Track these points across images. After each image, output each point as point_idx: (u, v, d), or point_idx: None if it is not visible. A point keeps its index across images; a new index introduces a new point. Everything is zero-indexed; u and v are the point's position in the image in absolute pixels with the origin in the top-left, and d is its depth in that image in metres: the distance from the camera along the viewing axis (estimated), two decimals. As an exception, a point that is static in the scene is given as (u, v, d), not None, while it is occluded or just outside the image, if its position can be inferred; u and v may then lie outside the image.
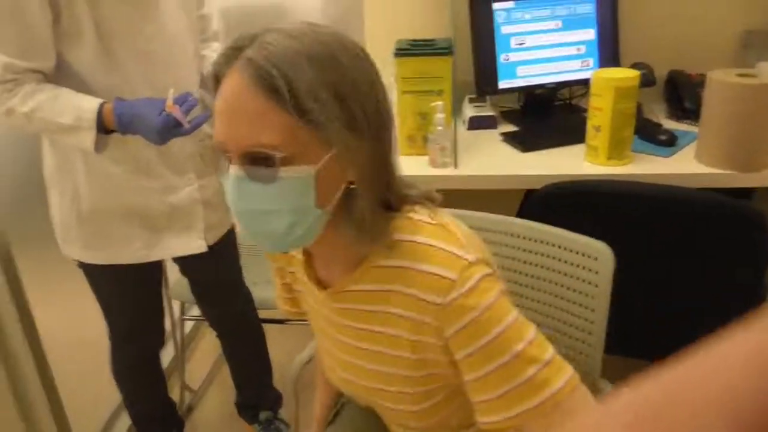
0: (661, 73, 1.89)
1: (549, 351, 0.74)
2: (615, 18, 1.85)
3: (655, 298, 1.33)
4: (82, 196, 1.29)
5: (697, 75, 1.81)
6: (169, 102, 1.13)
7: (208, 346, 1.91)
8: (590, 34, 1.85)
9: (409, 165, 1.56)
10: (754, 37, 1.91)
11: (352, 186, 0.72)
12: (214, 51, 1.45)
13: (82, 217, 1.31)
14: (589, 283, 1.10)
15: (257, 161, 0.68)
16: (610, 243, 1.10)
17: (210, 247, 1.45)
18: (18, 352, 1.40)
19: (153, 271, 1.47)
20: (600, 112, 1.47)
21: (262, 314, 1.73)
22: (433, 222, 0.76)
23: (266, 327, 1.76)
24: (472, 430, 0.87)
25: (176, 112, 1.13)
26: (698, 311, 1.36)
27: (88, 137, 1.16)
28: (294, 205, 0.70)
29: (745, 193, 1.62)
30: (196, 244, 1.41)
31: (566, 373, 0.74)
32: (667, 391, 0.26)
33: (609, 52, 1.86)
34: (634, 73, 1.46)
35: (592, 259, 1.14)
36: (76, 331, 1.68)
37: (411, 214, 0.77)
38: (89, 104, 1.15)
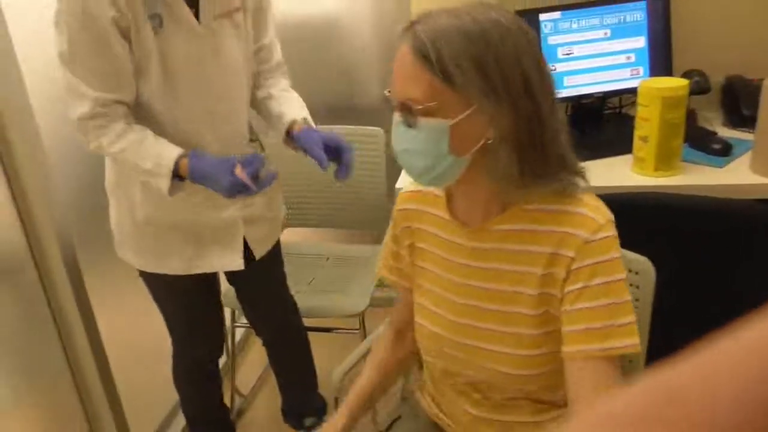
0: (718, 78, 1.83)
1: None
2: (667, 25, 1.80)
3: (703, 315, 1.29)
4: (137, 208, 1.37)
5: (758, 80, 1.74)
6: (238, 169, 1.20)
7: (258, 353, 1.97)
8: (640, 42, 1.81)
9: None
10: (821, 40, 1.82)
11: (489, 141, 0.84)
12: (283, 90, 1.48)
13: (135, 226, 1.40)
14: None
15: (407, 112, 0.85)
16: (653, 256, 1.08)
17: (255, 260, 1.50)
18: (81, 354, 1.50)
19: (208, 282, 1.54)
20: (647, 123, 1.44)
21: (308, 322, 1.77)
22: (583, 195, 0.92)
23: (312, 335, 1.81)
24: (546, 416, 0.99)
25: (244, 177, 1.19)
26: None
27: (164, 183, 1.25)
28: (429, 149, 0.86)
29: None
30: (235, 263, 1.46)
31: (637, 338, 0.88)
32: (671, 389, 0.26)
33: (660, 60, 1.81)
34: (682, 83, 1.42)
35: (633, 273, 1.12)
36: (136, 334, 1.78)
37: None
38: (169, 154, 1.25)
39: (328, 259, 2.07)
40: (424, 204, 1.03)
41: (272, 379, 2.04)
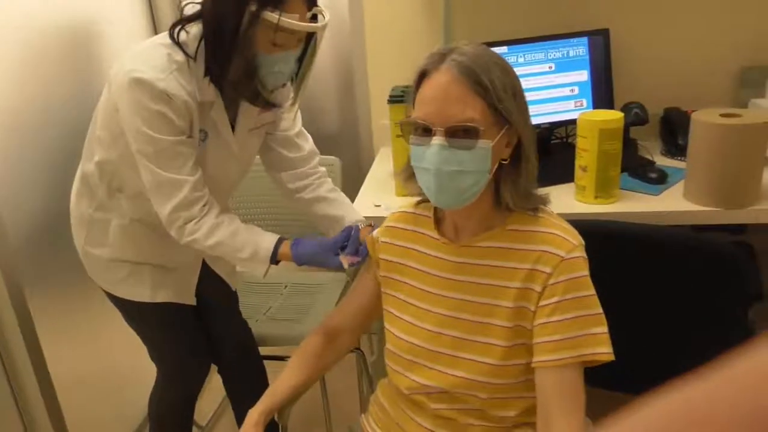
0: (657, 111, 1.93)
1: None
2: (608, 60, 1.90)
3: (640, 334, 1.35)
4: (106, 246, 1.43)
5: (692, 111, 1.84)
6: (344, 259, 1.26)
7: (217, 382, 1.97)
8: (584, 75, 1.90)
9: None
10: (751, 74, 1.93)
11: (504, 162, 0.98)
12: (332, 190, 1.55)
13: (103, 259, 1.44)
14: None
15: (460, 134, 0.92)
16: (594, 280, 1.13)
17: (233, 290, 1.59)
18: (27, 387, 1.48)
19: (196, 311, 1.57)
20: (586, 153, 1.51)
21: (263, 351, 1.78)
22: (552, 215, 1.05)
23: (268, 365, 1.81)
24: (526, 428, 1.05)
25: (349, 260, 1.25)
26: (683, 347, 1.36)
27: (261, 268, 1.32)
28: (479, 168, 0.95)
29: (739, 228, 1.63)
30: (187, 299, 1.54)
31: (610, 347, 0.96)
32: (689, 408, 0.26)
33: (602, 93, 1.91)
34: (617, 115, 1.50)
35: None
36: (84, 365, 1.76)
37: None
38: (267, 243, 1.31)
39: (285, 287, 2.09)
40: (414, 224, 1.13)
41: (230, 411, 2.03)
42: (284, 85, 1.34)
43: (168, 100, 1.19)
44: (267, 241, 1.31)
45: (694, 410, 0.26)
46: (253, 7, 1.14)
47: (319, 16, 1.22)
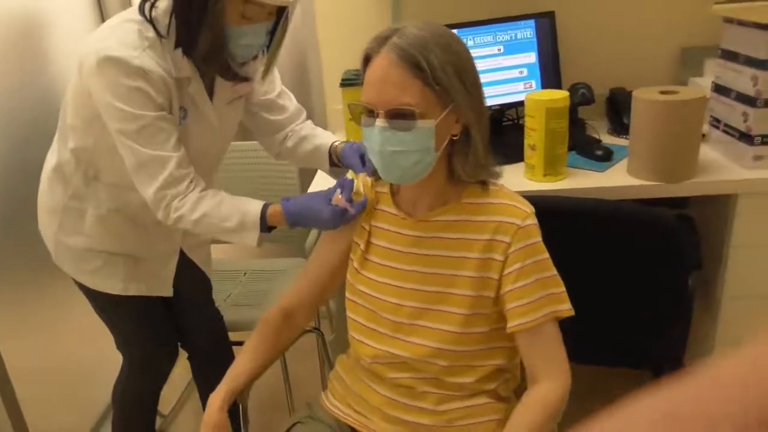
0: (603, 91, 1.99)
1: None
2: (554, 42, 1.95)
3: (590, 305, 1.40)
4: (81, 234, 1.40)
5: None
6: (337, 196, 1.19)
7: (179, 370, 1.96)
8: (532, 57, 1.94)
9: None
10: (690, 54, 2.01)
11: (455, 137, 1.01)
12: (312, 128, 1.53)
13: (75, 249, 1.42)
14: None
15: (399, 116, 0.96)
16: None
17: (185, 260, 1.56)
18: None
19: (164, 300, 1.56)
20: (534, 132, 1.56)
21: (232, 336, 1.78)
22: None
23: (236, 350, 1.82)
24: (482, 396, 1.10)
25: (342, 203, 1.18)
26: (630, 315, 1.43)
27: (252, 237, 1.27)
28: (421, 147, 0.98)
29: (682, 201, 1.70)
30: (165, 291, 1.53)
31: (570, 304, 1.05)
32: (679, 405, 0.27)
33: (550, 74, 1.96)
34: (563, 94, 1.54)
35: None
36: (43, 357, 1.73)
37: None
38: (253, 208, 1.26)
39: (245, 274, 2.09)
40: (378, 203, 1.16)
41: (193, 399, 2.03)
42: (255, 57, 1.33)
43: (145, 75, 1.17)
44: (253, 206, 1.27)
45: (683, 409, 0.26)
46: None
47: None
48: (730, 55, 1.58)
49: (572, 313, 1.05)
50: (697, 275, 1.37)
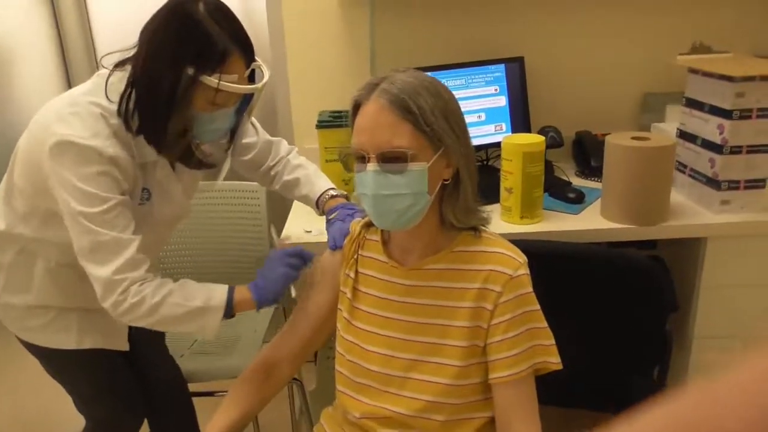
0: (569, 134, 2.04)
1: None
2: (524, 86, 1.99)
3: (569, 347, 1.40)
4: (31, 291, 1.32)
5: (602, 135, 1.96)
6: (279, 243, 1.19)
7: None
8: (502, 101, 1.98)
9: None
10: (652, 100, 2.09)
11: (446, 182, 1.01)
12: (294, 168, 1.50)
13: (25, 307, 1.33)
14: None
15: (391, 159, 0.96)
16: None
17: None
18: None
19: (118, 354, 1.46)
20: (511, 175, 1.57)
21: (199, 387, 1.70)
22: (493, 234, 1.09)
23: (196, 401, 1.73)
24: None
25: (284, 245, 1.22)
26: (609, 358, 1.43)
27: (214, 319, 1.19)
28: (414, 190, 0.98)
29: (649, 243, 1.74)
30: (120, 345, 1.44)
31: (559, 357, 1.04)
32: (695, 415, 0.27)
33: (520, 117, 1.99)
34: (539, 139, 1.57)
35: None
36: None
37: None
38: (220, 288, 1.21)
39: (211, 318, 2.01)
40: (363, 249, 1.14)
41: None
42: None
43: (115, 162, 1.14)
44: (219, 286, 1.22)
45: (700, 418, 0.26)
46: (190, 71, 1.10)
47: (258, 71, 1.21)
48: (695, 104, 1.64)
49: (560, 367, 1.03)
50: (673, 317, 1.39)
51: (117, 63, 1.20)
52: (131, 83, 1.16)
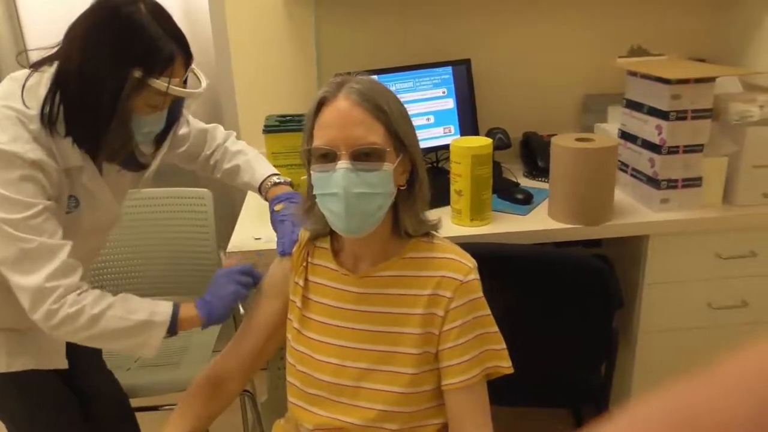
0: (516, 135, 2.07)
1: None
2: (471, 88, 2.01)
3: (521, 347, 1.42)
4: None
5: (548, 136, 1.99)
6: (225, 260, 1.20)
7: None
8: (449, 103, 1.99)
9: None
10: (593, 101, 2.14)
11: (402, 188, 1.00)
12: (234, 155, 1.47)
13: None
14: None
15: (363, 157, 0.94)
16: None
17: None
18: None
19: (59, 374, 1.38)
20: (460, 178, 1.58)
21: (136, 402, 1.63)
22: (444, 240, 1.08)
23: (141, 416, 1.67)
24: None
25: (233, 263, 1.23)
26: (560, 355, 1.46)
27: (156, 336, 1.14)
28: (385, 190, 0.96)
29: (595, 242, 1.78)
30: (59, 363, 1.37)
31: (510, 362, 1.05)
32: (688, 410, 0.26)
33: (468, 120, 2.01)
34: (487, 141, 1.58)
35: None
36: None
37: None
38: (164, 303, 1.17)
39: (157, 329, 1.94)
40: (312, 257, 1.11)
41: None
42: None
43: (40, 167, 1.08)
44: (164, 303, 1.18)
45: (694, 412, 0.26)
46: (137, 74, 1.06)
47: (192, 76, 1.19)
48: (635, 105, 1.69)
49: (512, 371, 1.04)
50: (619, 313, 1.43)
51: (33, 64, 1.14)
52: (57, 85, 1.10)
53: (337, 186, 0.95)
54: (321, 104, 0.96)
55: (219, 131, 1.51)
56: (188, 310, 1.17)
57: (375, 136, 0.94)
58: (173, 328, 1.16)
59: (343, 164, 0.93)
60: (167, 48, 1.08)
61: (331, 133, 0.94)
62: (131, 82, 1.06)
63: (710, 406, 0.26)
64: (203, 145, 1.48)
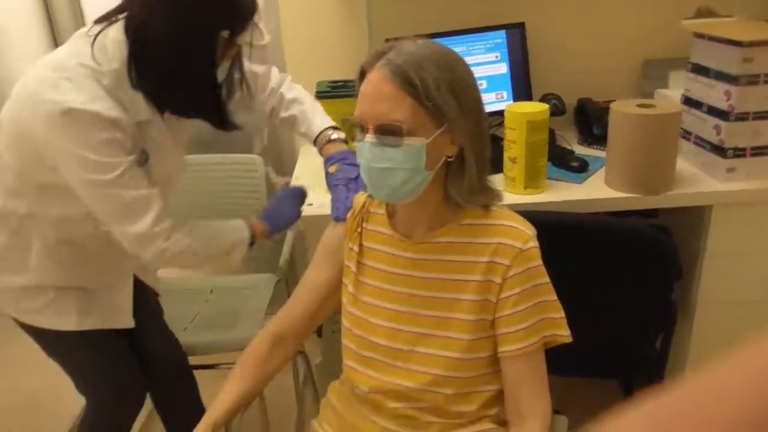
0: (571, 101, 2.01)
1: None
2: (525, 53, 1.95)
3: (578, 318, 1.40)
4: (28, 271, 1.29)
5: (604, 102, 1.93)
6: (276, 179, 1.31)
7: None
8: (503, 68, 1.94)
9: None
10: (653, 66, 2.05)
11: (450, 158, 0.97)
12: (291, 103, 1.51)
13: (22, 289, 1.31)
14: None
15: (388, 132, 0.93)
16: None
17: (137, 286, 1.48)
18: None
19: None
20: (515, 145, 1.55)
21: (193, 360, 1.69)
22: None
23: (199, 374, 1.72)
24: (485, 422, 1.06)
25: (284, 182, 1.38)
26: (614, 325, 1.43)
27: (240, 252, 1.33)
28: (409, 166, 0.94)
29: (652, 211, 1.73)
30: (126, 322, 1.44)
31: (568, 330, 1.04)
32: (671, 408, 0.27)
33: (521, 85, 1.96)
34: (543, 107, 1.54)
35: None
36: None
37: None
38: (239, 223, 1.36)
39: (211, 291, 1.99)
40: (368, 222, 1.11)
41: (155, 429, 1.92)
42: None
43: (116, 124, 1.12)
44: (238, 222, 1.34)
45: (699, 407, 0.26)
46: (225, 34, 1.12)
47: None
48: (701, 70, 1.61)
49: (570, 340, 1.03)
50: (677, 284, 1.39)
51: (98, 19, 1.17)
52: (134, 43, 1.13)
53: (364, 158, 0.97)
54: (363, 74, 0.97)
55: (273, 74, 1.52)
56: (258, 225, 1.37)
57: (400, 112, 0.92)
58: (252, 240, 1.34)
59: (369, 138, 0.95)
60: (247, 2, 1.13)
61: (363, 107, 0.95)
62: (221, 43, 1.12)
63: (694, 403, 0.26)
64: (256, 88, 1.48)
